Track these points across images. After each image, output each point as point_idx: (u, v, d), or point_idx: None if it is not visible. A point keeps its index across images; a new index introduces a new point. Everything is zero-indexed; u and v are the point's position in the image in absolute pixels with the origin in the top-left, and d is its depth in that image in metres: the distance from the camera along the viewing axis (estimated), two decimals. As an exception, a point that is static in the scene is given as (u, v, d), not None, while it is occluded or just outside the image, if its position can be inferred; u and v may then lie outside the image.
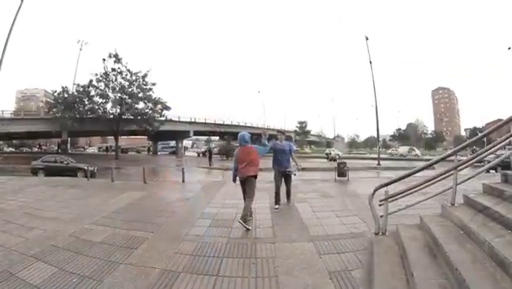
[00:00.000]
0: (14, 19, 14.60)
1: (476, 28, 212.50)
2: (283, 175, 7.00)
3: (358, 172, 18.18)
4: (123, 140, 61.81)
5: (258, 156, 5.90)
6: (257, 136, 7.32)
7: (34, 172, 17.86)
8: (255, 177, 5.83)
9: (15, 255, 4.08)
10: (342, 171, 13.46)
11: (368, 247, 4.19)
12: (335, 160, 32.50)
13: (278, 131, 7.63)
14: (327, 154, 45.86)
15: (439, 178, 4.54)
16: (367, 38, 29.18)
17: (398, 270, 3.18)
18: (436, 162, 4.98)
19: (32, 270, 3.61)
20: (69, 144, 53.17)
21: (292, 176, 7.19)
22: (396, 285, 2.87)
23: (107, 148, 66.62)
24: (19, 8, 14.69)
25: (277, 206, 6.75)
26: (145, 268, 3.72)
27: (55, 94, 38.05)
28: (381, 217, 4.42)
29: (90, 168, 15.51)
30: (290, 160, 7.15)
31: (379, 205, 4.48)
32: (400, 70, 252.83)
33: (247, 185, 5.79)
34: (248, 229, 5.18)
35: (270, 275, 3.45)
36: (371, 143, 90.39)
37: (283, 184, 7.09)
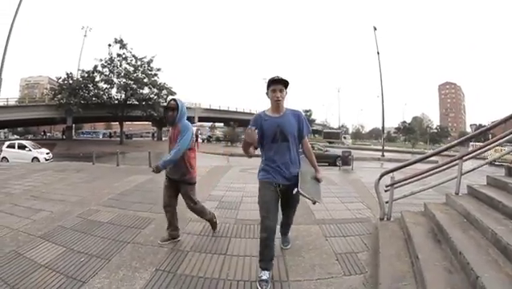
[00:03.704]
0: (17, 9, 14.67)
1: (487, 24, 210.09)
2: (283, 194, 3.11)
3: (362, 162, 18.27)
4: (128, 126, 62.00)
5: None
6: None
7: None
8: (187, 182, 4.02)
9: (23, 236, 4.14)
10: (346, 160, 13.54)
11: (373, 232, 4.26)
12: None
13: (273, 80, 3.03)
14: None
15: (444, 167, 4.60)
16: (375, 29, 28.95)
17: (403, 254, 3.23)
18: (440, 152, 5.02)
19: (40, 250, 3.67)
20: (74, 131, 53.27)
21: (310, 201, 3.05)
22: (402, 267, 2.93)
23: (110, 133, 67.00)
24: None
25: (262, 274, 2.94)
26: (153, 247, 3.78)
27: (60, 80, 38.05)
28: (386, 203, 4.48)
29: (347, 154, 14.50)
30: (302, 158, 3.27)
31: (385, 191, 4.54)
32: (407, 63, 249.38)
33: None
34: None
35: (278, 255, 3.48)
36: (375, 134, 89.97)
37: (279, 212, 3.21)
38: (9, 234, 4.23)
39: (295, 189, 2.93)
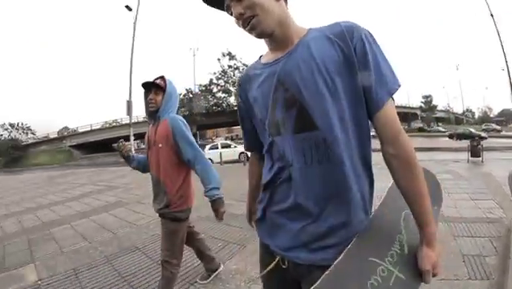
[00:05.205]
0: (133, 36, 17.15)
1: None
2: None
3: (493, 153, 16.15)
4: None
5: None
6: None
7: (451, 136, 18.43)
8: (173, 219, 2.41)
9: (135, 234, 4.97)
10: (475, 151, 12.35)
11: (505, 234, 3.92)
12: None
13: None
14: None
15: None
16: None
17: (539, 260, 2.93)
18: None
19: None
20: (198, 137, 58.58)
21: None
22: (536, 275, 2.67)
23: (231, 137, 71.25)
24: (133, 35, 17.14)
25: None
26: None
27: (181, 96, 42.47)
28: (521, 200, 4.07)
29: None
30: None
31: (520, 188, 4.12)
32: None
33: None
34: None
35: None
36: (507, 117, 77.49)
37: None
38: (152, 221, 5.38)
39: None
